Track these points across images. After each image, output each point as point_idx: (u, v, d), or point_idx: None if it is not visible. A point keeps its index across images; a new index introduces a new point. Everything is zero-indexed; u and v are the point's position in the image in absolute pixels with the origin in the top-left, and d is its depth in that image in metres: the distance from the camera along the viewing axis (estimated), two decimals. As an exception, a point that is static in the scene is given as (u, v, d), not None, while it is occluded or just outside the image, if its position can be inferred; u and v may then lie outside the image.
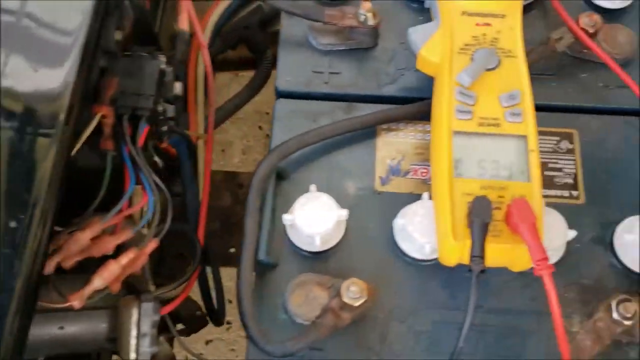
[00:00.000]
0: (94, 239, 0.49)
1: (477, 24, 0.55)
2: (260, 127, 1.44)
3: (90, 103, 0.53)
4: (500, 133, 0.51)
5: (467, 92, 0.52)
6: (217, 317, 0.76)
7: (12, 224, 0.43)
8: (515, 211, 0.45)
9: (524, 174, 0.49)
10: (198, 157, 0.89)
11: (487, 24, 0.55)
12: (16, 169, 0.45)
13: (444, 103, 0.52)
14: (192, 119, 0.82)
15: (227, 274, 0.76)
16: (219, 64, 1.08)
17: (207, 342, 1.28)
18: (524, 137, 0.51)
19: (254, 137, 1.44)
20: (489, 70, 0.53)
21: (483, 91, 0.52)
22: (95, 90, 0.53)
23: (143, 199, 0.52)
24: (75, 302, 0.48)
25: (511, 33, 0.55)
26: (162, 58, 0.57)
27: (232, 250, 0.90)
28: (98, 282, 0.49)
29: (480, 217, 0.45)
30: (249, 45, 0.97)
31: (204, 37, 0.79)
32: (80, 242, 0.48)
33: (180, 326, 0.84)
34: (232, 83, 1.19)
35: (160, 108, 0.56)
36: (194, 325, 0.83)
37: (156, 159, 0.63)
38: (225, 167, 1.40)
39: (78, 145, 0.50)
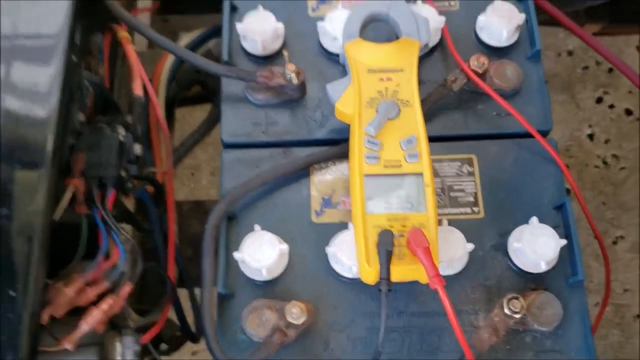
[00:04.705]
0: (78, 291, 0.60)
1: (381, 79, 0.66)
2: (226, 150, 1.54)
3: (64, 177, 0.63)
4: (402, 173, 0.62)
5: (374, 141, 0.63)
6: (192, 335, 0.87)
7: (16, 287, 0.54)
8: (412, 239, 0.57)
9: (422, 205, 0.61)
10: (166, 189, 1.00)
11: (389, 79, 0.67)
12: (13, 241, 0.55)
13: (355, 150, 0.63)
14: (157, 156, 0.92)
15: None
16: (178, 102, 1.19)
17: (194, 353, 1.40)
18: (420, 175, 0.62)
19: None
20: (390, 119, 0.64)
21: (387, 138, 0.64)
22: (67, 166, 0.64)
23: (115, 253, 0.62)
24: (69, 345, 0.58)
25: (408, 85, 0.66)
26: (121, 130, 0.68)
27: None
28: (84, 327, 0.59)
29: (384, 246, 0.57)
30: (202, 85, 1.08)
31: (157, 95, 0.89)
32: (67, 296, 0.59)
33: (164, 345, 0.95)
34: (186, 116, 1.29)
35: (122, 172, 0.66)
36: (175, 343, 0.94)
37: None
38: (195, 190, 1.51)
39: (59, 212, 0.61)
